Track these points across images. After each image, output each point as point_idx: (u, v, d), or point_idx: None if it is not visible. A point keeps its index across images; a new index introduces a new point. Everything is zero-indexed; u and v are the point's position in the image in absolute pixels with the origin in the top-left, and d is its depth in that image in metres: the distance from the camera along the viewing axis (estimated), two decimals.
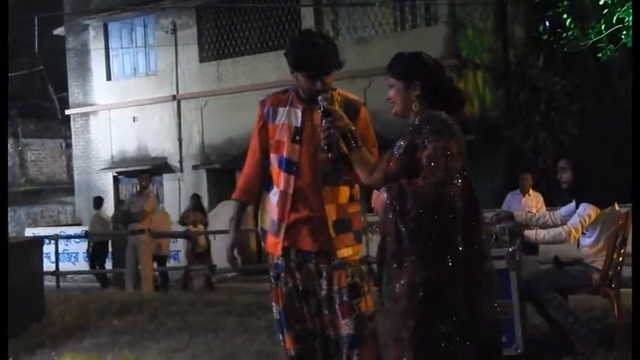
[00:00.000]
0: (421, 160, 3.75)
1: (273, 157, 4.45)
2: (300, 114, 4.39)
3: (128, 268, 13.78)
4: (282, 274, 4.45)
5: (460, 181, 3.74)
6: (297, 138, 4.36)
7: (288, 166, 4.38)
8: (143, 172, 14.83)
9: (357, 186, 4.46)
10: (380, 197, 3.84)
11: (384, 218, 3.83)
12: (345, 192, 4.40)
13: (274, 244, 4.46)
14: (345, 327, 4.29)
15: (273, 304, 4.52)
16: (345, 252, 4.36)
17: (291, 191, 4.38)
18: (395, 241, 3.78)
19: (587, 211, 6.21)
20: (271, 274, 4.53)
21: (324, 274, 4.35)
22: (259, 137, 4.53)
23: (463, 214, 3.74)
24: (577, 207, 6.35)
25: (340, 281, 4.32)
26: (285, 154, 4.39)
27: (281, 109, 4.44)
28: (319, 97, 3.99)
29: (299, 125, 4.37)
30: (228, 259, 4.71)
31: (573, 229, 6.22)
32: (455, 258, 3.70)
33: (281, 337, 4.53)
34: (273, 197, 4.47)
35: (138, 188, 14.24)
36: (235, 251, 4.70)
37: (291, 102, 4.44)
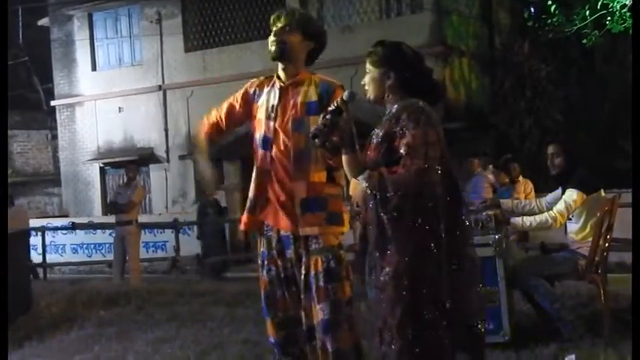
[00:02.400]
0: (400, 148, 3.75)
1: (255, 137, 4.55)
2: (277, 92, 4.48)
3: (116, 260, 13.74)
4: (266, 262, 4.50)
5: (440, 168, 3.75)
6: (272, 115, 4.45)
7: (264, 142, 4.47)
8: (130, 162, 14.78)
9: (340, 170, 4.37)
10: (359, 186, 3.84)
11: (364, 207, 3.84)
12: (319, 171, 4.39)
13: (249, 221, 4.53)
14: (320, 312, 4.30)
15: (261, 290, 4.56)
16: (308, 230, 4.36)
17: (267, 167, 4.44)
18: (377, 229, 3.79)
19: (574, 196, 6.22)
20: (259, 262, 4.57)
21: (303, 259, 4.37)
22: (240, 103, 4.65)
23: (444, 200, 3.75)
24: (563, 193, 6.36)
25: (317, 266, 4.34)
26: (262, 132, 4.49)
27: (265, 90, 4.56)
28: (344, 93, 3.87)
29: (275, 103, 4.46)
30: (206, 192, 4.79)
31: (559, 214, 6.23)
32: (438, 245, 3.72)
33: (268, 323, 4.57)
34: (253, 176, 4.55)
35: (125, 179, 14.17)
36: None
37: (273, 84, 4.54)
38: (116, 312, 8.92)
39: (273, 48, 4.45)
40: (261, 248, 4.54)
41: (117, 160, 21.93)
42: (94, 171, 23.41)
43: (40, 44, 26.39)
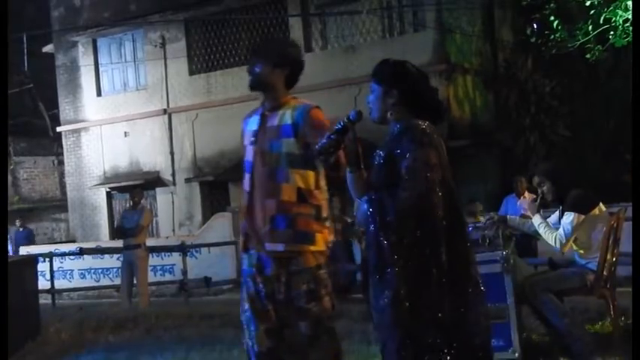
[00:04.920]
0: (401, 170, 3.74)
1: (243, 162, 4.74)
2: (258, 118, 4.68)
3: (123, 284, 13.73)
4: (248, 279, 4.64)
5: (441, 190, 3.74)
6: (253, 139, 4.65)
7: (248, 166, 4.65)
8: (135, 187, 14.81)
9: (314, 190, 4.57)
10: (361, 208, 3.84)
11: (366, 229, 3.84)
12: (289, 191, 4.52)
13: (244, 242, 4.70)
14: (302, 328, 4.47)
15: (244, 303, 4.68)
16: (273, 246, 4.50)
17: (250, 189, 4.61)
18: (376, 252, 3.78)
19: (571, 219, 6.22)
20: (242, 278, 4.75)
21: (283, 279, 4.49)
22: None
23: (445, 222, 3.73)
24: (562, 215, 6.37)
25: (297, 287, 4.47)
26: (246, 157, 4.68)
27: (250, 119, 4.78)
28: (351, 112, 3.96)
29: (256, 128, 4.66)
30: None
31: (560, 239, 6.23)
32: (439, 267, 3.70)
33: (247, 336, 4.66)
34: (243, 200, 4.73)
35: (131, 203, 14.19)
36: None
37: (257, 111, 4.76)
38: (125, 336, 8.92)
39: (249, 81, 4.71)
40: (244, 266, 4.69)
41: (123, 184, 21.95)
42: (100, 196, 23.42)
43: (45, 71, 26.47)
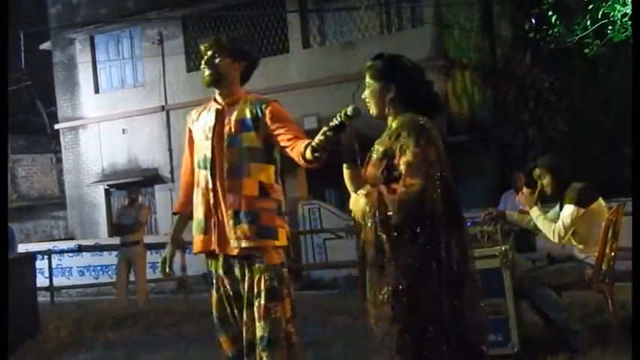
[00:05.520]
0: (400, 166, 3.73)
1: (195, 159, 4.71)
2: (213, 114, 4.67)
3: (120, 281, 13.70)
4: (215, 281, 4.65)
5: (439, 185, 3.73)
6: (210, 135, 4.61)
7: (205, 162, 4.61)
8: (131, 184, 14.78)
9: (275, 184, 4.59)
10: (358, 202, 3.82)
11: (363, 224, 3.82)
12: (251, 185, 4.51)
13: (205, 241, 4.63)
14: (260, 329, 4.42)
15: (213, 308, 4.72)
16: (238, 243, 4.48)
17: (209, 186, 4.57)
18: (375, 247, 3.78)
19: (570, 211, 6.22)
20: (208, 281, 4.77)
21: (247, 277, 4.49)
22: (190, 148, 4.82)
23: (444, 218, 3.73)
24: (561, 209, 6.37)
25: (260, 284, 4.45)
26: (202, 153, 4.64)
27: (203, 115, 4.77)
28: (349, 108, 3.87)
29: (212, 124, 4.63)
30: (162, 272, 4.88)
31: (559, 232, 6.23)
32: (438, 262, 3.70)
33: (220, 340, 4.70)
34: (196, 198, 4.67)
35: (128, 200, 14.16)
36: (168, 265, 4.85)
37: (209, 107, 4.76)
38: (124, 334, 8.91)
39: (205, 76, 4.66)
40: (210, 267, 4.69)
41: (122, 181, 21.94)
42: (99, 193, 23.40)
43: (43, 68, 26.45)
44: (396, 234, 3.69)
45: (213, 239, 4.57)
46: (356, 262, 5.04)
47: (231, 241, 4.49)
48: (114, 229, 13.71)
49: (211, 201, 4.56)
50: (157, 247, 16.99)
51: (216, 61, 4.63)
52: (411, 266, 3.68)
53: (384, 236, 3.72)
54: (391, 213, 3.70)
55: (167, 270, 4.84)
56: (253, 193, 4.49)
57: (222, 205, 4.52)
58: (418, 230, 3.67)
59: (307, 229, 16.69)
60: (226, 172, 4.51)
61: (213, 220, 4.57)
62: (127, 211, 13.71)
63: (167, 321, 9.31)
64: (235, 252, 4.51)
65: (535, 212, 6.43)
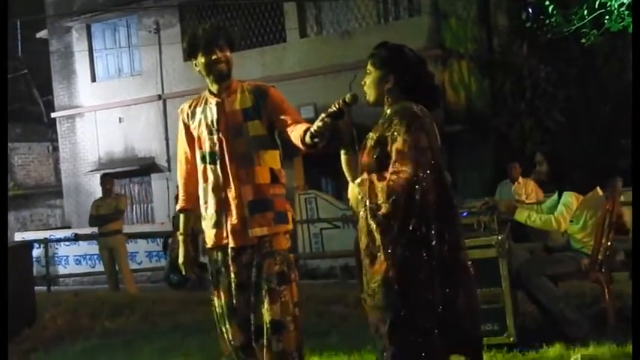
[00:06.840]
0: (391, 153, 3.73)
1: (198, 155, 4.67)
2: (214, 107, 4.62)
3: (108, 271, 13.65)
4: (222, 269, 4.60)
5: (430, 174, 3.72)
6: (214, 129, 4.57)
7: (212, 157, 4.57)
8: (105, 175, 14.64)
9: (281, 169, 4.60)
10: (354, 191, 3.83)
11: (358, 213, 3.83)
12: (263, 173, 4.51)
13: (217, 235, 4.59)
14: (269, 313, 4.42)
15: (215, 298, 4.70)
16: (258, 231, 4.48)
17: (220, 180, 4.54)
18: (366, 236, 3.78)
19: (570, 199, 6.24)
20: (210, 269, 4.71)
21: (255, 262, 4.48)
22: (188, 143, 4.78)
23: (435, 206, 3.73)
24: (559, 197, 6.38)
25: (270, 269, 4.45)
26: (207, 148, 4.60)
27: (198, 109, 4.71)
28: (347, 95, 3.88)
29: (215, 117, 4.58)
30: (186, 274, 4.87)
31: (561, 217, 6.25)
32: (429, 251, 3.70)
33: (223, 330, 4.69)
34: (205, 193, 4.63)
35: (102, 191, 13.94)
36: (190, 266, 4.83)
37: (205, 100, 4.70)
38: (121, 322, 8.92)
39: (219, 70, 4.59)
40: (216, 258, 4.64)
41: (118, 170, 21.91)
42: (95, 182, 23.26)
43: (39, 56, 26.40)
44: (386, 222, 3.69)
45: (225, 232, 4.55)
46: (352, 252, 5.05)
47: (249, 231, 4.47)
48: (92, 220, 13.51)
49: (223, 194, 4.53)
50: (154, 236, 17.04)
51: (227, 53, 4.62)
52: (400, 255, 3.68)
53: (374, 224, 3.73)
54: (381, 201, 3.70)
55: (190, 271, 4.83)
56: (266, 181, 4.51)
57: (236, 196, 4.49)
58: (408, 218, 3.67)
59: (304, 218, 16.70)
60: (237, 164, 4.49)
61: (225, 213, 4.54)
62: (103, 202, 13.59)
63: (163, 310, 9.32)
64: (251, 242, 4.49)
65: (523, 214, 6.40)
